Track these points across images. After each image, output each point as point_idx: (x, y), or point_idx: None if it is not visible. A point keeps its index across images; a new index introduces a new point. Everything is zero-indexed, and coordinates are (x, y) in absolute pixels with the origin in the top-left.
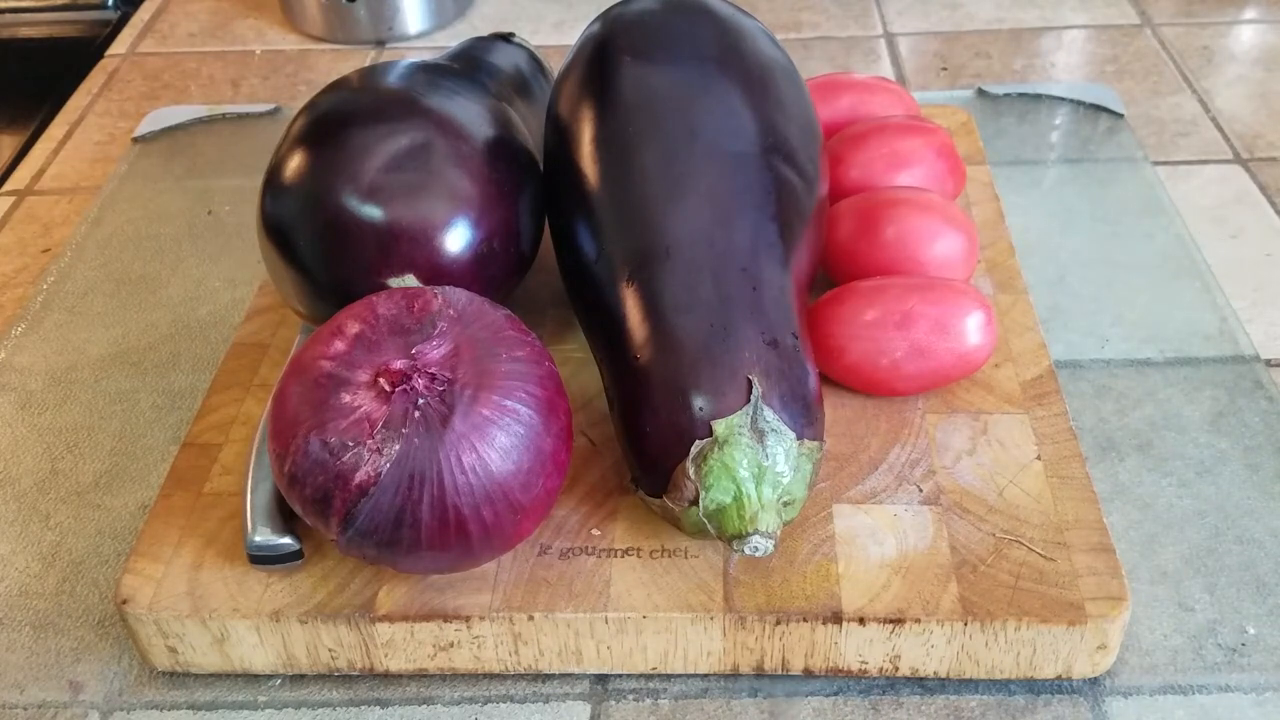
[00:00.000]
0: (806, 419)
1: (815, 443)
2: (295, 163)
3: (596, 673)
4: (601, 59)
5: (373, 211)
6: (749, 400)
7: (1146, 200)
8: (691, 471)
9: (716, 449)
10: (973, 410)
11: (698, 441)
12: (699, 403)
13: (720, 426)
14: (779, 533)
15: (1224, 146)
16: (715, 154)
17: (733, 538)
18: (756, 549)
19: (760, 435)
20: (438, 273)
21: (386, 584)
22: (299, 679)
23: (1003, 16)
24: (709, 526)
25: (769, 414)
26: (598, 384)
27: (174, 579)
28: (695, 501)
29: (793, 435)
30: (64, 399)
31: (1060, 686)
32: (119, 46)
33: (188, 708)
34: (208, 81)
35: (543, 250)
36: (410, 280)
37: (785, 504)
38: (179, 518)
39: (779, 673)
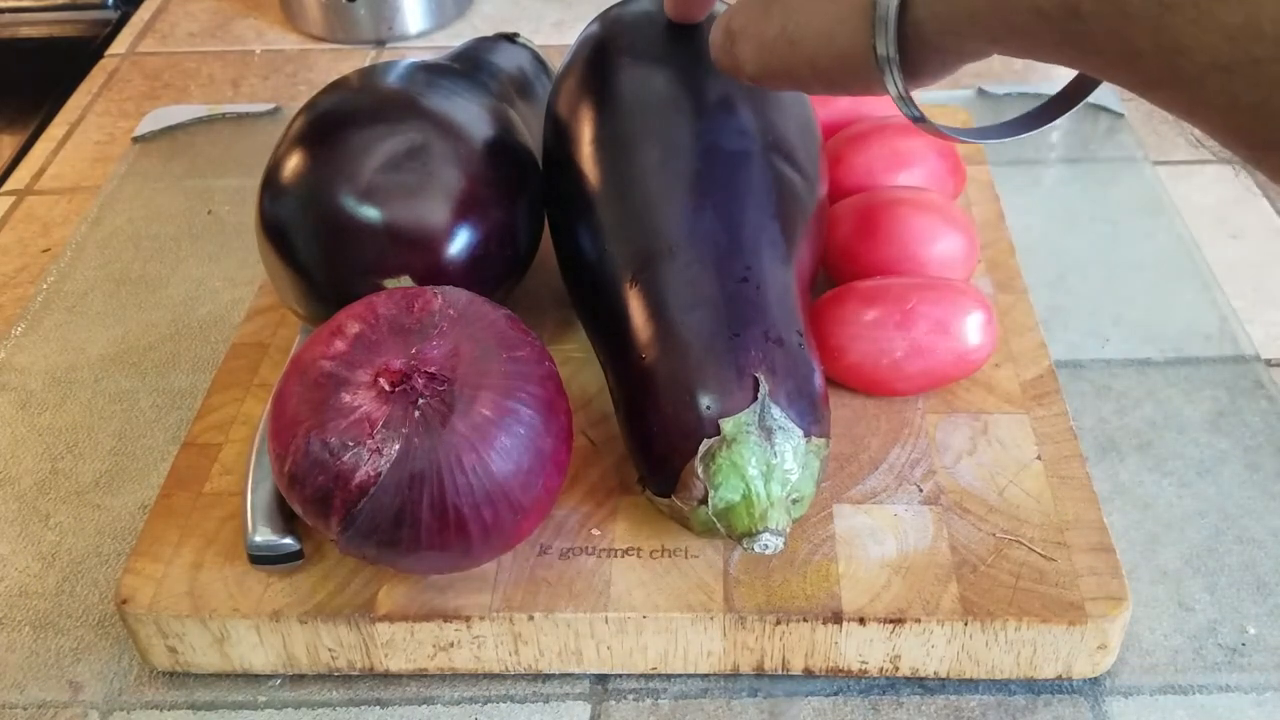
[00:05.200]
0: (813, 416)
1: (822, 439)
2: (293, 163)
3: (596, 673)
4: (601, 59)
5: (369, 212)
6: (756, 398)
7: (1146, 200)
8: (700, 470)
9: (725, 447)
10: (973, 410)
11: (705, 440)
12: (706, 401)
13: (728, 425)
14: (788, 530)
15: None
16: (715, 153)
17: (742, 536)
18: (767, 547)
19: (768, 433)
20: (434, 273)
21: (386, 584)
22: (299, 679)
23: None
24: (718, 525)
25: (776, 411)
26: (598, 384)
27: (174, 579)
28: (704, 500)
29: (800, 432)
30: (64, 399)
31: (1060, 686)
32: (119, 46)
33: (188, 708)
34: (208, 81)
35: (543, 250)
36: (406, 282)
37: (794, 501)
38: (179, 518)
39: (779, 673)
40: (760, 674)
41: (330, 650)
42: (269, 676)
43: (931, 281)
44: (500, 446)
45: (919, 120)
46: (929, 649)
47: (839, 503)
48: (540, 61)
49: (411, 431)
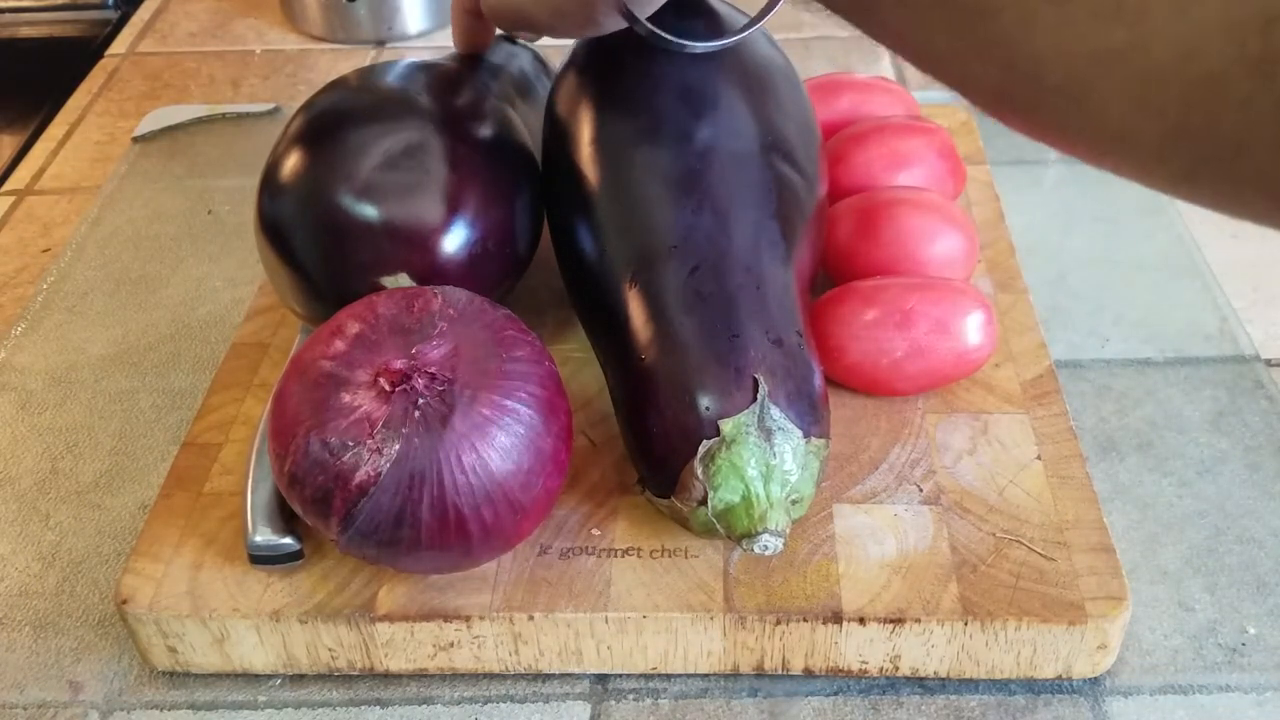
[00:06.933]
0: (813, 417)
1: (822, 440)
2: (291, 162)
3: (596, 673)
4: (600, 59)
5: (367, 211)
6: (755, 399)
7: (1146, 200)
8: (699, 471)
9: (724, 448)
10: (973, 410)
11: (705, 441)
12: (705, 402)
13: (728, 426)
14: (788, 530)
15: None
16: (715, 153)
17: (742, 537)
18: (766, 547)
19: (768, 434)
20: (433, 272)
21: (386, 584)
22: (299, 679)
23: None
24: (718, 526)
25: (776, 412)
26: (598, 384)
27: (174, 579)
28: (704, 502)
29: (800, 433)
30: (64, 399)
31: (1060, 686)
32: (119, 46)
33: (188, 708)
34: (208, 81)
35: (543, 250)
36: (404, 280)
37: (794, 502)
38: (179, 518)
39: (779, 673)
40: (760, 674)
41: (330, 650)
42: (269, 676)
43: (931, 281)
44: (500, 446)
45: (653, 35)
46: (929, 649)
47: (839, 503)
48: (540, 61)
49: (411, 431)
